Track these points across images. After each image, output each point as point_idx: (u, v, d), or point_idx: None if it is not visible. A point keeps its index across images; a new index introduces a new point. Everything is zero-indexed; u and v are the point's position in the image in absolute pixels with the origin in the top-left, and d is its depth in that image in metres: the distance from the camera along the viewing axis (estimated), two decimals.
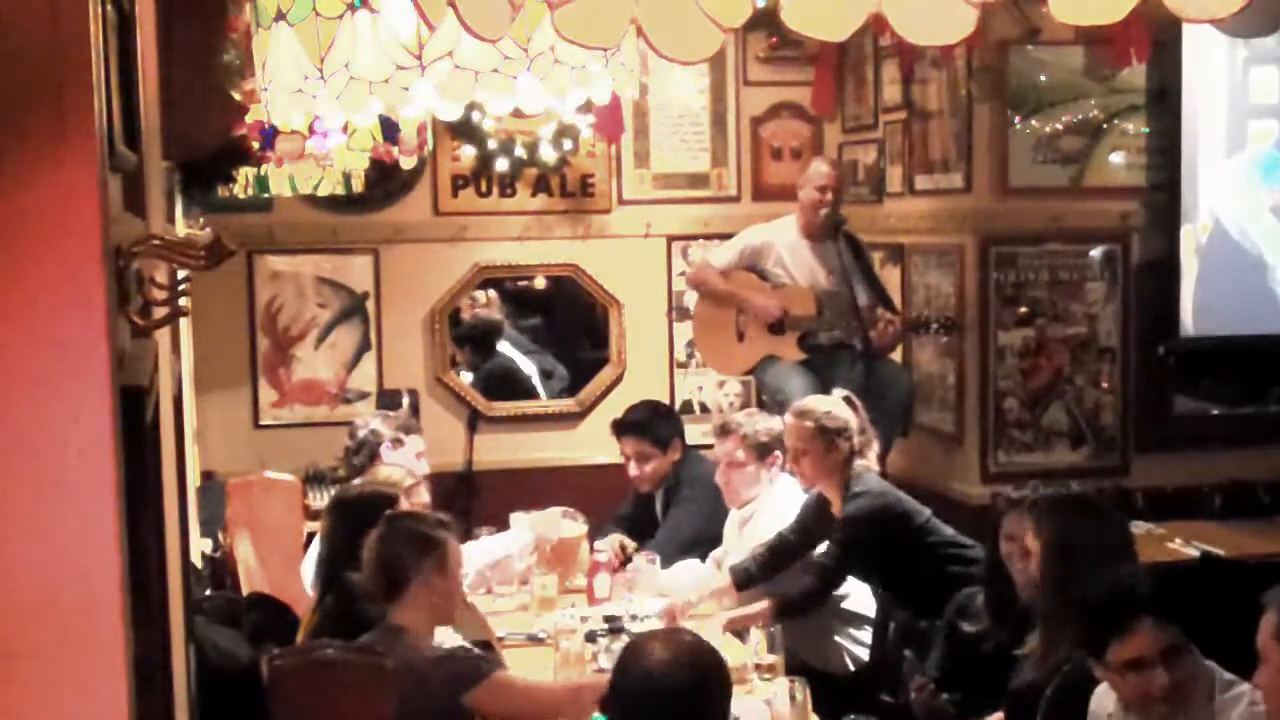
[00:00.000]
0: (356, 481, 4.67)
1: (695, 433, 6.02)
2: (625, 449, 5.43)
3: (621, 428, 5.47)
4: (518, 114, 3.26)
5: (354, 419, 5.32)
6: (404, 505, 4.10)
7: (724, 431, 4.90)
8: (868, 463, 4.60)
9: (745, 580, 4.53)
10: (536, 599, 4.63)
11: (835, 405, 4.65)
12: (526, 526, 4.93)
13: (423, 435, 5.22)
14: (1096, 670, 3.12)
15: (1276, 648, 2.73)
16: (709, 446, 5.58)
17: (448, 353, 6.95)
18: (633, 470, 5.41)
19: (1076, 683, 3.36)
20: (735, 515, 4.94)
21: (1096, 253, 6.02)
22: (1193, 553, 5.31)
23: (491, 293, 7.56)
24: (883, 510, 4.48)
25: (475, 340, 7.34)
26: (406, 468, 4.63)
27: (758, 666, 3.85)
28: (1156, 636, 2.98)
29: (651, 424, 5.41)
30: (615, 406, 6.32)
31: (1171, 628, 3.00)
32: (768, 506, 4.83)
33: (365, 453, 4.99)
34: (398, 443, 5.00)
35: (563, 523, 4.99)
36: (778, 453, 4.79)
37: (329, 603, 3.86)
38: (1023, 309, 5.94)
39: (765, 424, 4.85)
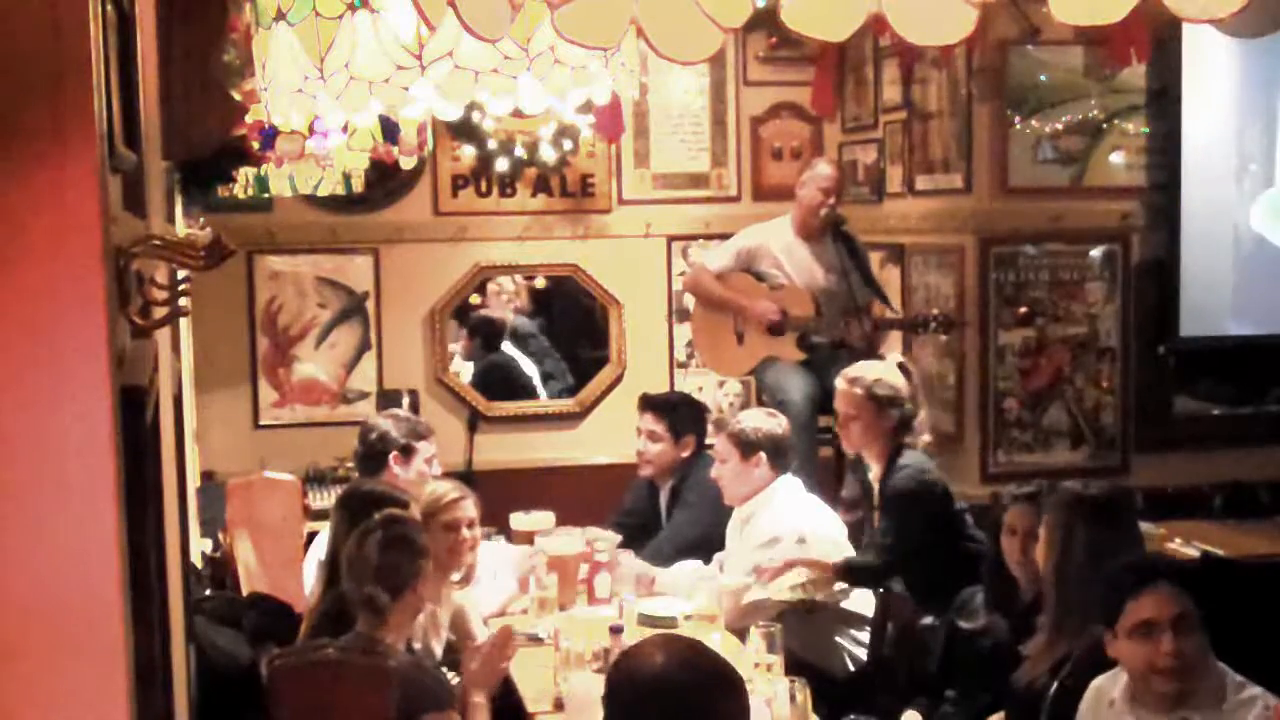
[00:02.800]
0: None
1: None
2: (642, 424, 5.41)
3: (646, 402, 5.47)
4: (518, 114, 3.25)
5: (365, 420, 5.17)
6: (442, 518, 4.11)
7: (718, 427, 4.96)
8: (915, 434, 4.65)
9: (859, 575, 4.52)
10: (536, 599, 4.62)
11: (888, 372, 4.70)
12: (512, 571, 4.82)
13: (433, 438, 5.08)
14: (1109, 645, 3.13)
15: None
16: (711, 446, 5.58)
17: (448, 352, 6.95)
18: (639, 446, 5.39)
19: (1080, 681, 3.36)
20: (736, 514, 4.94)
21: (1096, 253, 6.02)
22: (1193, 553, 5.31)
23: (519, 278, 7.53)
24: (925, 487, 4.51)
25: (484, 333, 7.35)
26: (453, 481, 4.48)
27: (757, 666, 3.84)
28: (1170, 601, 3.03)
29: (674, 409, 5.41)
30: (615, 406, 6.33)
31: (1186, 598, 3.04)
32: (768, 506, 4.82)
33: (374, 462, 4.88)
34: (408, 451, 4.87)
35: (546, 544, 4.90)
36: (762, 454, 4.79)
37: (328, 600, 3.85)
38: (1023, 309, 5.95)
39: (757, 424, 4.85)
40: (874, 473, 4.71)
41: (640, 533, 5.30)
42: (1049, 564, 3.61)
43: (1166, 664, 3.00)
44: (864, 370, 4.73)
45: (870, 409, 4.61)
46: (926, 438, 4.70)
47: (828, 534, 4.71)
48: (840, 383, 4.73)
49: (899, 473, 4.55)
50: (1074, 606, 3.52)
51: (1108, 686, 3.21)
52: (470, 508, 4.36)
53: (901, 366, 4.74)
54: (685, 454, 5.35)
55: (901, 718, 3.94)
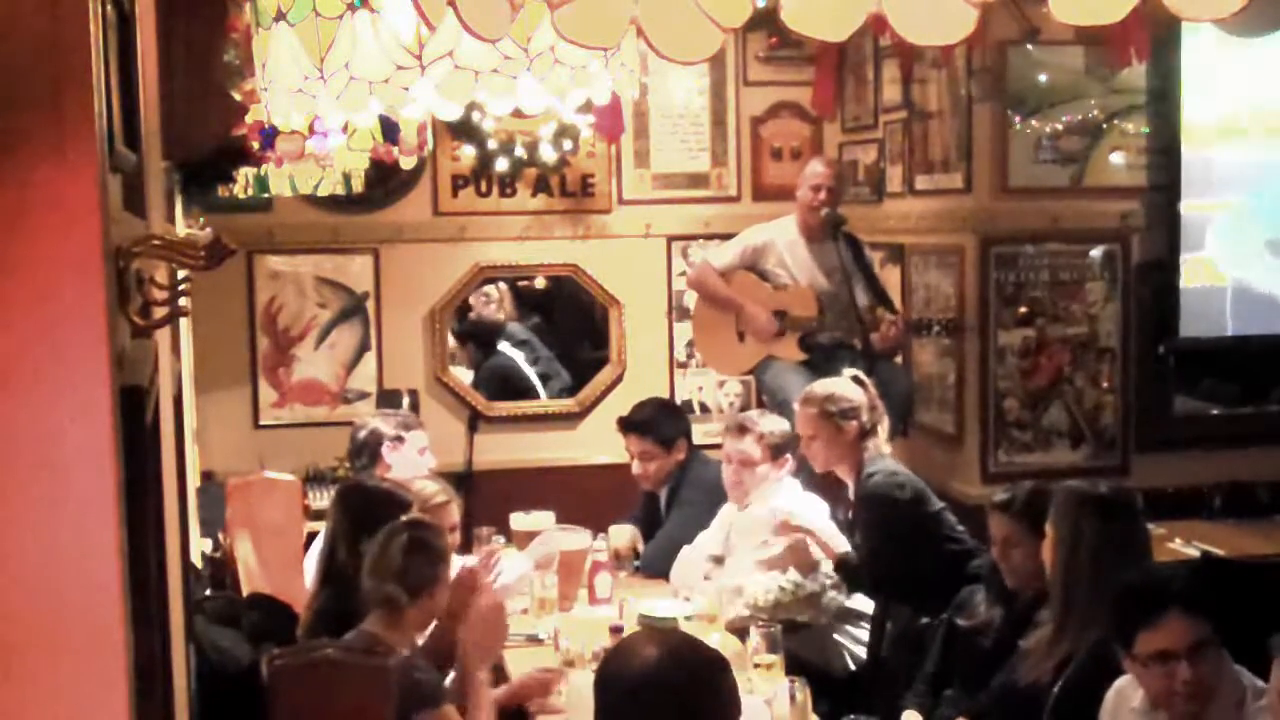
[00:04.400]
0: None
1: (696, 433, 6.01)
2: (630, 446, 5.42)
3: (626, 425, 5.46)
4: (518, 114, 3.25)
5: (355, 420, 5.31)
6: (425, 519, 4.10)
7: (741, 429, 4.88)
8: (879, 441, 4.64)
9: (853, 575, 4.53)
10: (536, 600, 4.63)
11: (840, 386, 4.70)
12: (524, 558, 4.84)
13: (424, 430, 5.17)
14: (1124, 661, 3.10)
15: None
16: (710, 447, 5.58)
17: (448, 352, 6.95)
18: (636, 469, 5.40)
19: (1084, 681, 3.35)
20: (737, 516, 4.92)
21: (1096, 253, 6.02)
22: (1193, 553, 5.30)
23: (502, 285, 7.58)
24: (895, 487, 4.49)
25: (477, 338, 7.35)
26: (441, 484, 4.50)
27: (757, 666, 3.85)
28: (1185, 629, 2.96)
29: (656, 423, 5.40)
30: (615, 406, 6.32)
31: (1202, 623, 2.98)
32: (767, 506, 4.81)
33: (366, 455, 4.96)
34: (398, 441, 4.96)
35: (561, 537, 4.92)
36: (789, 455, 4.80)
37: (325, 597, 3.86)
38: (1023, 309, 5.94)
39: (779, 425, 4.87)
40: (851, 490, 4.69)
41: (648, 538, 5.30)
42: (1056, 562, 3.60)
43: (1184, 690, 2.95)
44: (816, 388, 4.74)
45: (828, 426, 4.60)
46: (884, 448, 4.67)
47: (824, 532, 4.71)
48: (796, 405, 4.74)
49: (872, 478, 4.53)
50: (1078, 605, 3.51)
51: (1129, 690, 3.18)
52: (455, 512, 4.37)
53: (856, 379, 4.73)
54: (680, 457, 5.35)
55: (901, 717, 3.94)
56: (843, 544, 4.58)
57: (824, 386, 4.75)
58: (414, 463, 4.93)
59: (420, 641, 3.73)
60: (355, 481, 4.46)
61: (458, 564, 4.64)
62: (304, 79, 2.68)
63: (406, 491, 4.17)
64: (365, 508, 3.87)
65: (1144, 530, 3.76)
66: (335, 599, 3.78)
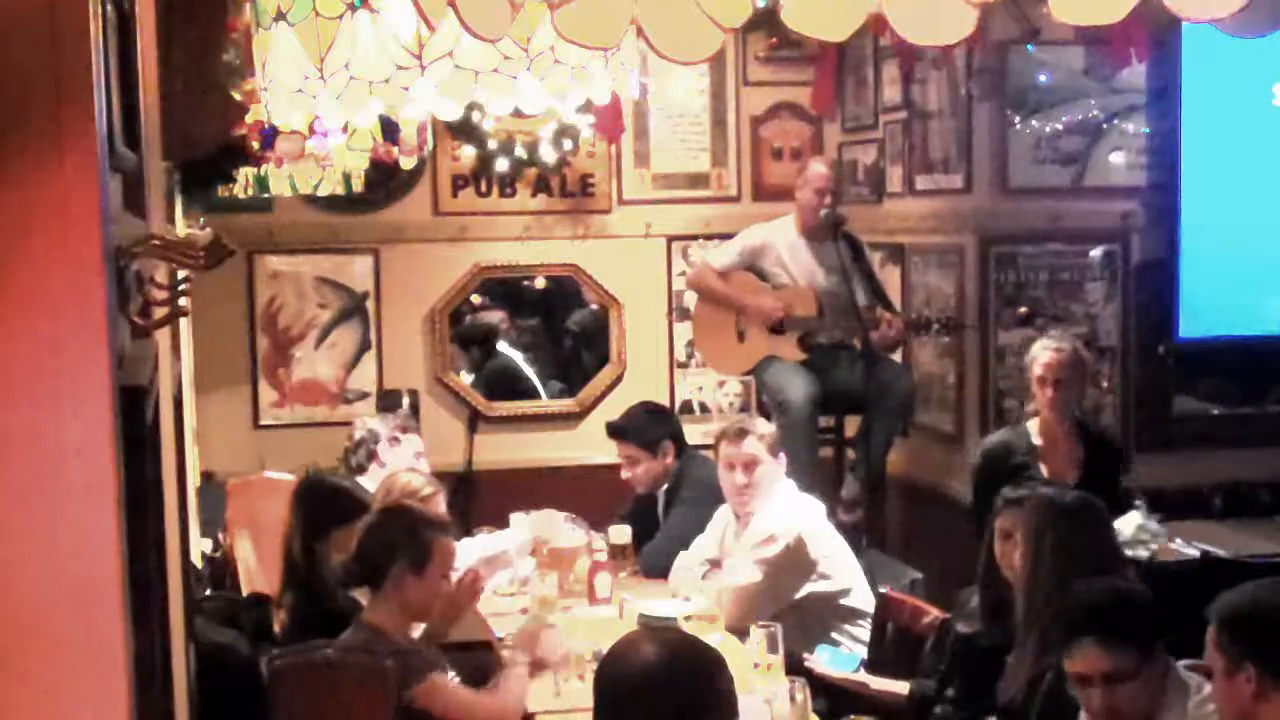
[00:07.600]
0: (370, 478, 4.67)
1: (695, 433, 6.02)
2: (619, 452, 5.43)
3: (610, 431, 5.48)
4: (518, 114, 3.26)
5: (353, 420, 5.33)
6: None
7: (741, 433, 4.81)
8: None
9: None
10: (536, 599, 4.63)
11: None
12: (526, 526, 4.92)
13: (420, 436, 5.22)
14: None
15: (1217, 657, 2.72)
16: (710, 447, 5.57)
17: (448, 352, 6.95)
18: (624, 474, 5.40)
19: (1057, 699, 3.34)
20: (733, 518, 4.91)
21: (1096, 253, 6.02)
22: (1193, 553, 5.30)
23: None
24: None
25: (476, 341, 7.36)
26: (427, 475, 4.53)
27: (757, 666, 3.84)
28: (1098, 659, 2.97)
29: (638, 428, 5.38)
30: (615, 406, 6.32)
31: (1119, 654, 2.97)
32: (766, 507, 4.81)
33: (363, 452, 5.00)
34: (395, 440, 5.00)
35: (563, 528, 4.96)
36: (782, 452, 4.81)
37: (296, 601, 3.88)
38: (1023, 309, 5.94)
39: (771, 426, 4.94)
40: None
41: (642, 539, 5.30)
42: (1023, 572, 3.60)
43: (1103, 715, 2.97)
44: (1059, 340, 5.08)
45: (1081, 372, 5.08)
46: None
47: (822, 533, 4.71)
48: (1050, 348, 5.03)
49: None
50: (1040, 617, 3.50)
51: None
52: (442, 503, 4.39)
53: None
54: (668, 460, 5.33)
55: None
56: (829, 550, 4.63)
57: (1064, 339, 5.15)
58: (410, 465, 4.94)
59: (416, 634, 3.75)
60: (314, 479, 4.47)
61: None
62: (304, 79, 2.69)
63: (365, 491, 4.19)
64: (321, 506, 3.90)
65: (1109, 540, 3.73)
66: (306, 601, 3.81)
